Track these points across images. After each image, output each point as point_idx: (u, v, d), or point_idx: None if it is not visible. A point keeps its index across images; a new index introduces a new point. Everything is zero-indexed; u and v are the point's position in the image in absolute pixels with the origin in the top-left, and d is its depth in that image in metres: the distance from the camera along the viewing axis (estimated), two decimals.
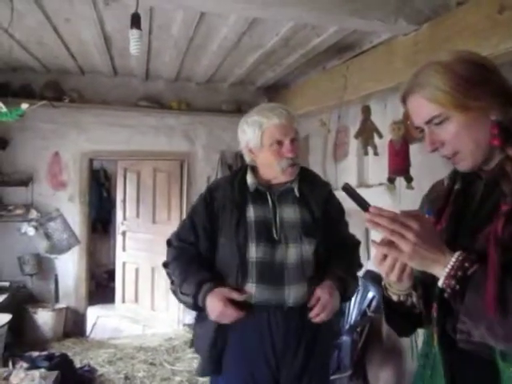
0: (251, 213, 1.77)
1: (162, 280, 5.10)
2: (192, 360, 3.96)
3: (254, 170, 1.86)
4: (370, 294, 3.19)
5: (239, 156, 4.98)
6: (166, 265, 1.91)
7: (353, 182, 4.03)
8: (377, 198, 3.86)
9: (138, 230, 5.37)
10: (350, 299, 1.97)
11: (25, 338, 4.13)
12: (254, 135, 1.76)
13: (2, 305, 3.84)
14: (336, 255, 1.83)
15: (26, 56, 3.90)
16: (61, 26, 3.13)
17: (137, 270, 5.37)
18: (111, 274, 6.92)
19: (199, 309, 1.75)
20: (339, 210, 1.92)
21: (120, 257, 5.59)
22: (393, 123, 2.94)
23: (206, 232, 1.81)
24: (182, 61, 3.97)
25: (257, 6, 2.30)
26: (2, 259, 4.34)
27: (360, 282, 3.40)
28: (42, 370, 2.85)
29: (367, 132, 3.33)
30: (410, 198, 3.15)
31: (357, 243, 1.97)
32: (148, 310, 5.25)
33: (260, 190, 1.79)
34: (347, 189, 1.00)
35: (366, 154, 3.47)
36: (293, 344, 1.73)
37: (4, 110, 2.23)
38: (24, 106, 2.29)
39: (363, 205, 0.98)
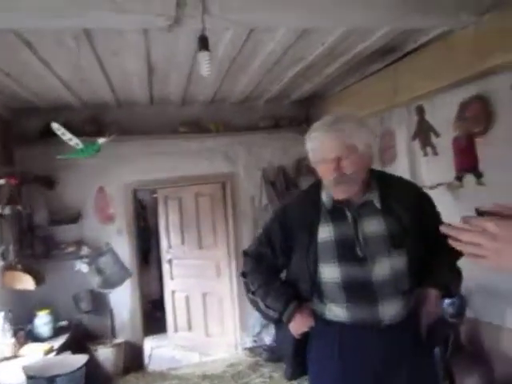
0: (329, 232, 1.70)
1: (215, 305, 5.03)
2: None
3: None
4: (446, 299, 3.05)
5: (281, 171, 4.93)
6: (244, 274, 1.92)
7: None
8: (437, 199, 3.75)
9: (184, 257, 5.32)
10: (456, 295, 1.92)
11: (88, 376, 4.07)
12: (308, 153, 1.72)
13: (66, 344, 3.81)
14: (437, 259, 1.75)
15: (67, 94, 3.94)
16: (107, 61, 3.14)
17: (187, 298, 5.30)
18: (155, 304, 6.88)
19: (279, 322, 1.80)
20: (432, 210, 1.84)
21: (168, 285, 5.54)
22: (456, 120, 2.85)
23: (282, 249, 1.81)
24: (221, 82, 3.96)
25: (310, 15, 2.27)
26: (58, 298, 4.32)
27: None
28: None
29: (424, 132, 3.24)
30: (476, 196, 3.05)
31: None
32: (203, 337, 5.16)
33: (337, 206, 1.71)
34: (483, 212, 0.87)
35: (426, 154, 3.37)
36: (394, 363, 1.66)
37: (81, 146, 2.21)
38: (101, 140, 2.27)
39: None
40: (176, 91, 4.22)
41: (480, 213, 0.87)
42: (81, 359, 3.04)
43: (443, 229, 0.87)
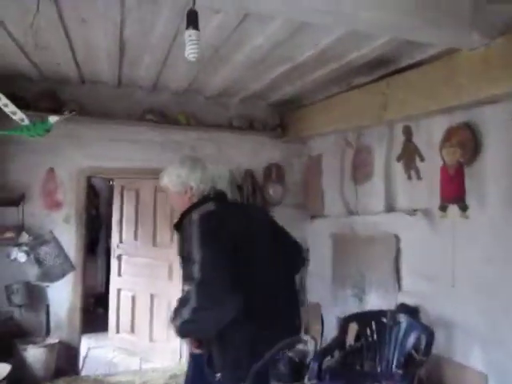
0: None
1: (163, 308, 4.69)
2: None
3: None
4: (414, 334, 2.88)
5: (250, 175, 4.67)
6: None
7: (379, 207, 3.76)
8: (409, 224, 3.62)
9: (135, 254, 4.95)
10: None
11: (12, 379, 3.63)
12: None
13: None
14: None
15: (24, 61, 3.50)
16: (73, 28, 2.76)
17: (133, 298, 4.93)
18: (98, 299, 6.43)
19: None
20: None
21: (114, 282, 5.14)
22: (448, 145, 2.68)
23: None
24: (198, 72, 3.65)
25: (310, 7, 2.02)
26: None
27: (391, 316, 3.14)
28: None
29: (409, 154, 3.06)
30: (455, 228, 2.90)
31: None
32: (146, 342, 4.80)
33: None
34: None
35: (410, 178, 3.20)
36: None
37: (26, 122, 1.83)
38: (53, 118, 1.89)
39: None
40: (147, 75, 3.86)
41: None
42: (1, 370, 2.62)
43: None
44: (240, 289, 1.67)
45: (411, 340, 2.87)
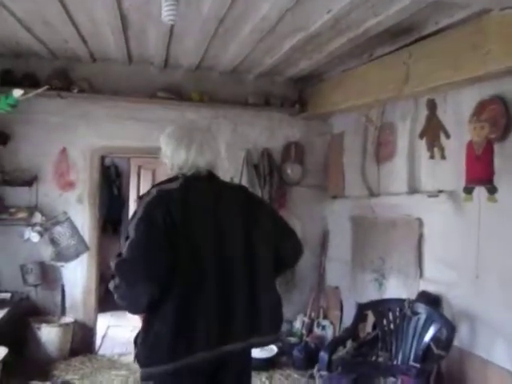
0: None
1: None
2: None
3: None
4: (435, 326, 2.67)
5: (267, 154, 4.48)
6: None
7: (402, 188, 3.51)
8: (433, 207, 3.37)
9: None
10: None
11: (26, 358, 3.68)
12: None
13: (3, 320, 3.38)
14: None
15: (31, 39, 3.42)
16: (69, 1, 2.62)
17: None
18: None
19: None
20: None
21: None
22: (475, 121, 2.41)
23: None
24: (208, 47, 3.46)
25: None
26: (3, 268, 3.88)
27: (410, 306, 2.92)
28: None
29: (433, 131, 2.80)
30: (482, 213, 2.64)
31: None
32: None
33: None
34: None
35: (432, 156, 2.93)
36: None
37: None
38: (17, 92, 1.76)
39: None
40: (157, 51, 3.71)
41: None
42: None
43: None
44: (169, 277, 1.60)
45: (431, 332, 2.65)
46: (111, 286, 1.63)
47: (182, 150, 1.76)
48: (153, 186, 1.79)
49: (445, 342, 2.53)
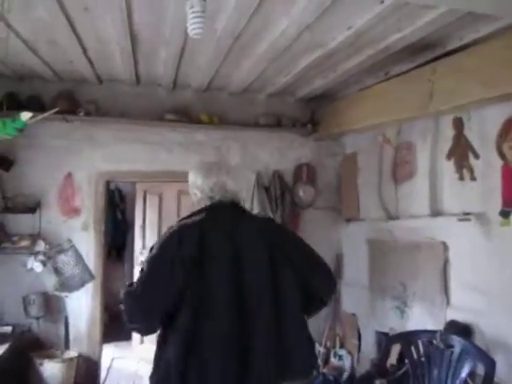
0: None
1: None
2: None
3: None
4: (470, 360, 2.46)
5: (277, 175, 4.33)
6: None
7: (423, 210, 3.35)
8: (459, 230, 3.20)
9: None
10: None
11: None
12: None
13: (4, 356, 3.16)
14: None
15: (36, 61, 3.30)
16: (77, 19, 2.51)
17: None
18: None
19: None
20: None
21: None
22: (510, 139, 2.26)
23: None
24: (220, 65, 3.34)
25: None
26: (4, 299, 3.68)
27: (442, 338, 2.72)
28: None
29: (461, 151, 2.65)
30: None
31: None
32: None
33: None
34: None
35: (462, 178, 2.78)
36: None
37: None
38: (25, 116, 1.63)
39: None
40: (166, 72, 3.59)
41: None
42: None
43: None
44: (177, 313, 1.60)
45: (467, 367, 2.45)
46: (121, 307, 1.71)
47: (212, 176, 1.80)
48: (180, 220, 1.78)
49: (484, 378, 2.33)
